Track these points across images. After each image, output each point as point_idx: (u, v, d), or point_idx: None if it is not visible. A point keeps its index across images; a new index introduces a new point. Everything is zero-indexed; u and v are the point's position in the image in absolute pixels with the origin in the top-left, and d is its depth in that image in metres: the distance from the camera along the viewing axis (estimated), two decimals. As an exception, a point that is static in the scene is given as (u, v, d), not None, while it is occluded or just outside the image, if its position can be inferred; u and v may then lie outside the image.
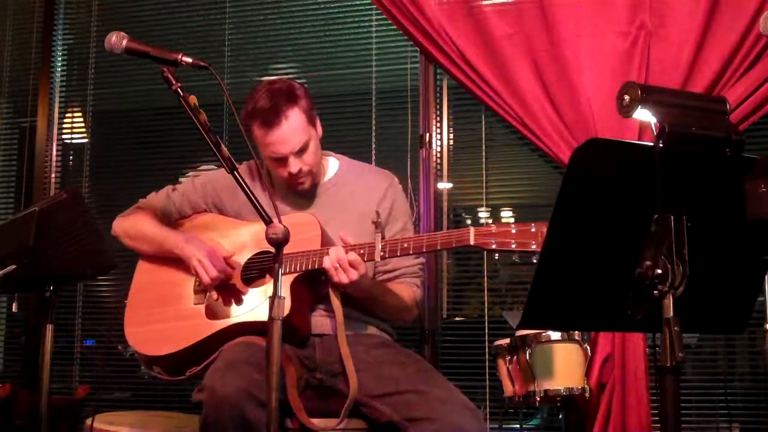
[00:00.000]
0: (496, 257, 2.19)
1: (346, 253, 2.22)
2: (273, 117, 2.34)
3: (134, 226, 2.57)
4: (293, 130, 2.37)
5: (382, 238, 2.24)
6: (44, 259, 2.03)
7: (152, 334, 2.43)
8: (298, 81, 2.58)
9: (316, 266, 2.26)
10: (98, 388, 3.83)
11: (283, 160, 2.40)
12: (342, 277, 2.22)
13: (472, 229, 2.15)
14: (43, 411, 2.12)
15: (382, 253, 2.22)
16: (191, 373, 2.36)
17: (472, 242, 2.14)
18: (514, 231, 2.12)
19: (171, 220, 2.60)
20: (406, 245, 2.22)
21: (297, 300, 2.29)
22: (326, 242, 2.34)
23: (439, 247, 2.21)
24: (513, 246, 2.11)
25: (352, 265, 2.21)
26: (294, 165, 2.39)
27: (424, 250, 2.22)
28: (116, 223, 2.62)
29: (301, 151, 2.39)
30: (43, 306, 2.15)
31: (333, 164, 2.61)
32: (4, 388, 3.29)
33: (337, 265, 2.21)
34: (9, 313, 4.13)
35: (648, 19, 3.22)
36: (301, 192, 2.50)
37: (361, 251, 2.23)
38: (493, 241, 2.13)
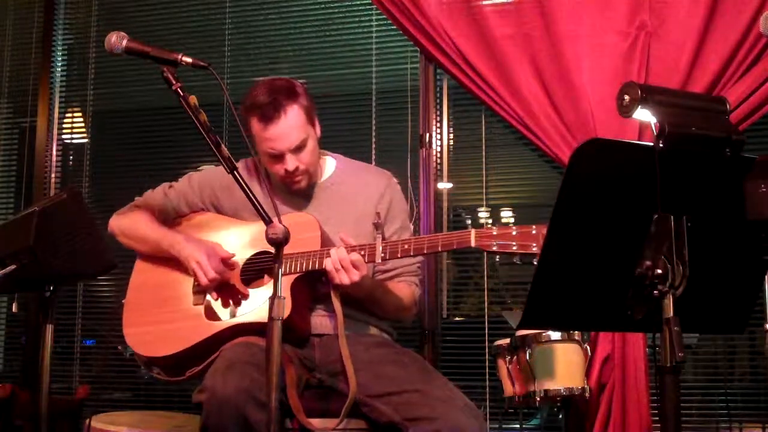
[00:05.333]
0: (497, 258, 2.20)
1: (348, 253, 2.22)
2: (272, 112, 2.33)
3: (131, 225, 2.56)
4: (291, 126, 2.36)
5: (383, 239, 2.24)
6: (44, 259, 2.02)
7: (151, 335, 2.43)
8: (299, 81, 2.57)
9: (317, 267, 2.26)
10: (98, 388, 3.83)
11: (279, 157, 2.39)
12: (343, 278, 2.21)
13: (473, 231, 2.15)
14: (43, 411, 2.12)
15: (383, 255, 2.22)
16: (191, 374, 2.36)
17: (473, 244, 2.15)
18: (515, 233, 2.12)
19: (169, 218, 2.59)
20: (406, 246, 2.22)
21: (297, 300, 2.29)
22: (326, 243, 2.34)
23: (440, 249, 2.22)
24: (514, 248, 2.11)
25: (354, 265, 2.21)
26: (291, 162, 2.38)
27: (425, 251, 2.23)
28: (113, 221, 2.60)
29: (298, 149, 2.38)
30: (43, 306, 2.14)
31: (330, 164, 2.60)
32: (4, 388, 3.28)
33: (339, 266, 2.21)
34: (9, 313, 4.12)
35: (648, 19, 3.22)
36: (298, 191, 2.49)
37: (362, 252, 2.23)
38: (494, 243, 2.13)
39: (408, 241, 2.24)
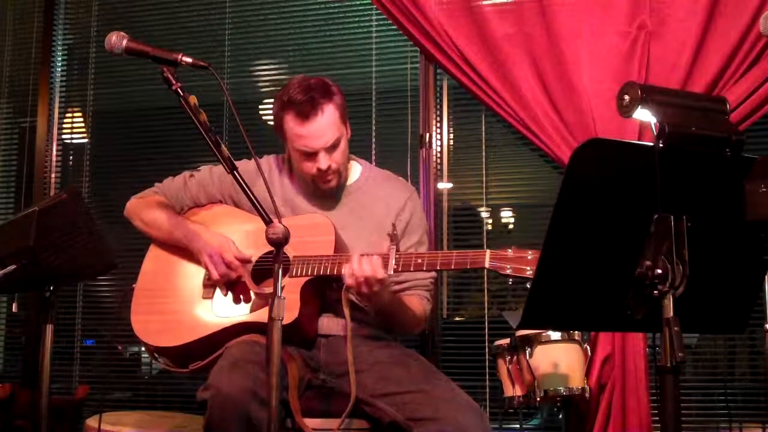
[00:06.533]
0: (510, 282, 2.18)
1: (360, 261, 2.19)
2: (309, 109, 2.33)
3: (147, 210, 2.55)
4: (328, 124, 2.36)
5: (397, 250, 2.23)
6: (44, 259, 2.02)
7: (159, 325, 2.42)
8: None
9: (329, 272, 2.24)
10: (98, 388, 3.83)
11: (313, 155, 2.38)
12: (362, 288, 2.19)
13: (488, 252, 2.14)
14: (43, 411, 2.12)
15: (395, 266, 2.20)
16: (194, 368, 2.36)
17: (487, 265, 2.13)
18: (530, 257, 2.10)
19: (185, 207, 2.59)
20: (420, 261, 2.21)
21: (306, 304, 2.27)
22: (339, 247, 2.33)
23: (453, 267, 2.20)
24: (528, 273, 2.09)
25: (371, 279, 2.17)
26: (323, 161, 2.38)
27: (438, 267, 2.22)
28: (130, 204, 2.60)
29: (332, 148, 2.38)
30: (43, 306, 2.14)
31: (356, 168, 2.60)
32: (4, 388, 3.29)
33: (357, 280, 2.18)
34: (9, 313, 4.12)
35: (648, 19, 3.21)
36: (325, 193, 2.49)
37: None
38: (509, 266, 2.12)
39: (422, 255, 2.24)
